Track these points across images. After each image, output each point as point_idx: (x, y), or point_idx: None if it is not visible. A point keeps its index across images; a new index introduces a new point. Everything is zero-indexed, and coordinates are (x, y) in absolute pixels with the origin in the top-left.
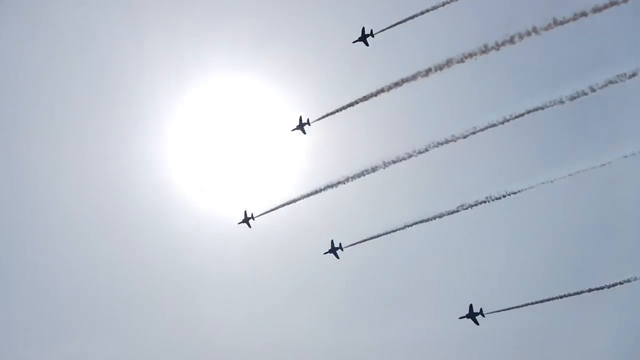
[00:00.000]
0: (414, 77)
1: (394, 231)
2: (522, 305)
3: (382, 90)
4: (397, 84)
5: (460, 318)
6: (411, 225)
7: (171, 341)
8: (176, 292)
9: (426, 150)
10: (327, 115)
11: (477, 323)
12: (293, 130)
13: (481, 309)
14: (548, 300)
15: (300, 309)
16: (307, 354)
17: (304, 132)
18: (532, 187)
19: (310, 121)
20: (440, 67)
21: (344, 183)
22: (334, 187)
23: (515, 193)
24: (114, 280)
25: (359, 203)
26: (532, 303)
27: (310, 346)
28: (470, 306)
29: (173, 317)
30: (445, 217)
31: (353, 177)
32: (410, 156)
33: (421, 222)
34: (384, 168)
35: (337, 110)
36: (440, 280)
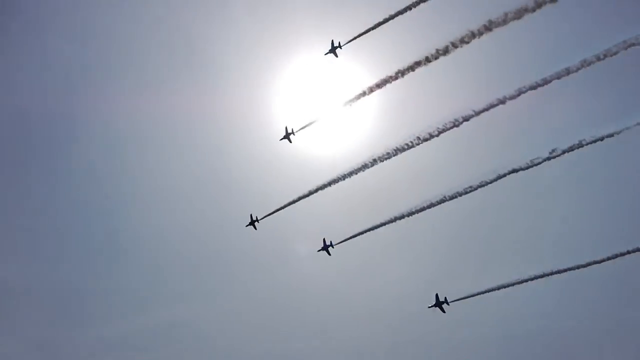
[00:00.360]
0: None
1: (487, 183)
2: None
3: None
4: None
5: (429, 307)
6: (505, 174)
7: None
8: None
9: (519, 94)
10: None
11: (443, 311)
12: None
13: (445, 298)
14: None
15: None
16: None
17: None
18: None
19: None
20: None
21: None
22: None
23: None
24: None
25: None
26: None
27: None
28: (436, 295)
29: (276, 277)
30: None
31: (443, 130)
32: (503, 101)
33: (513, 171)
34: (476, 115)
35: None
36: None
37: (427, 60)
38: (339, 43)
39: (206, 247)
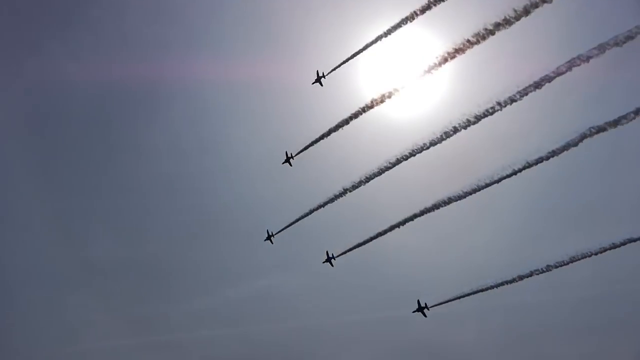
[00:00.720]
0: None
1: (572, 145)
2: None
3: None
4: None
5: (413, 312)
6: (591, 135)
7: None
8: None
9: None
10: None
11: (425, 315)
12: None
13: (426, 304)
14: None
15: None
16: None
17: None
18: None
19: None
20: None
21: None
22: None
23: None
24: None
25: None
26: None
27: None
28: (418, 301)
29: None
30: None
31: (524, 92)
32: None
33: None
34: (557, 76)
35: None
36: None
37: (507, 22)
38: (323, 73)
39: (295, 216)
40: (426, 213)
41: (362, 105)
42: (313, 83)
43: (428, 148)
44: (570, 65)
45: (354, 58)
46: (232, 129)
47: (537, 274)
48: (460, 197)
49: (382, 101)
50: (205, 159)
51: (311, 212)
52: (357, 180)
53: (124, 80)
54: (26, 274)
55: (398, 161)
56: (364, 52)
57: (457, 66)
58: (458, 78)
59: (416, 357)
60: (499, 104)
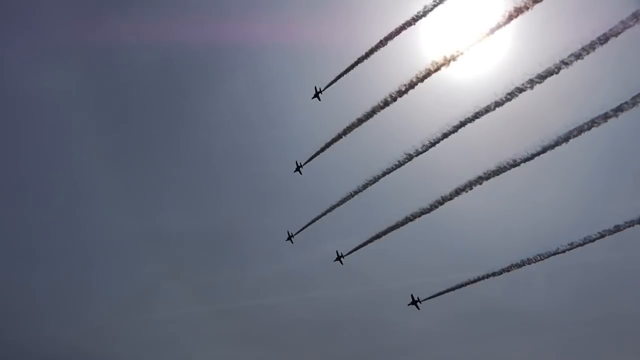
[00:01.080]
0: None
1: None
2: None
3: None
4: None
5: (408, 305)
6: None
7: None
8: None
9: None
10: None
11: (418, 308)
12: None
13: (418, 297)
14: None
15: None
16: None
17: None
18: None
19: None
20: None
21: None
22: None
23: None
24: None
25: None
26: None
27: None
28: (412, 295)
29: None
30: None
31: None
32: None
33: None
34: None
35: None
36: None
37: None
38: (320, 89)
39: (361, 182)
40: (493, 176)
41: (424, 68)
42: (312, 98)
43: (493, 109)
44: (635, 18)
45: (416, 21)
46: (297, 95)
47: (608, 235)
48: (527, 159)
49: (444, 64)
50: (272, 127)
51: (376, 179)
52: (421, 145)
53: (187, 49)
54: (100, 244)
55: (462, 124)
56: (425, 15)
57: (519, 25)
58: (520, 37)
59: (485, 320)
60: (563, 62)
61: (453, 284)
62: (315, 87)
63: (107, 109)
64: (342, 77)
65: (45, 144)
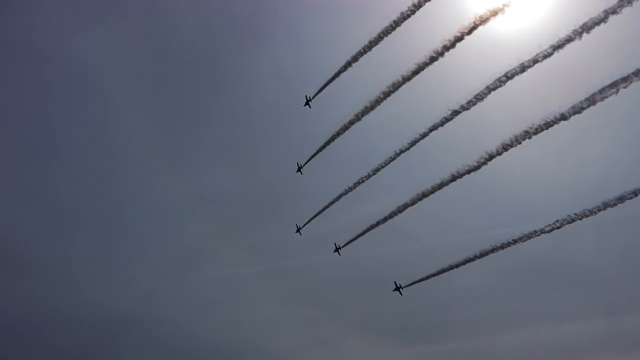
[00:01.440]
0: None
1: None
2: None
3: None
4: None
5: (393, 291)
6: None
7: None
8: None
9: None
10: None
11: (401, 294)
12: None
13: (400, 284)
14: None
15: None
16: None
17: None
18: None
19: None
20: None
21: None
22: None
23: None
24: None
25: None
26: None
27: None
28: (395, 282)
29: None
30: None
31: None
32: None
33: None
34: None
35: None
36: None
37: None
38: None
39: (405, 141)
40: (540, 131)
41: (469, 22)
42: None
43: (541, 61)
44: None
45: None
46: (336, 56)
47: None
48: (575, 112)
49: (490, 17)
50: (310, 87)
51: (423, 136)
52: (466, 101)
53: (228, 8)
54: (146, 208)
55: (508, 77)
56: None
57: None
58: None
59: (533, 275)
60: (606, 11)
61: (499, 240)
62: (306, 96)
63: (149, 70)
64: (386, 37)
65: (88, 107)
